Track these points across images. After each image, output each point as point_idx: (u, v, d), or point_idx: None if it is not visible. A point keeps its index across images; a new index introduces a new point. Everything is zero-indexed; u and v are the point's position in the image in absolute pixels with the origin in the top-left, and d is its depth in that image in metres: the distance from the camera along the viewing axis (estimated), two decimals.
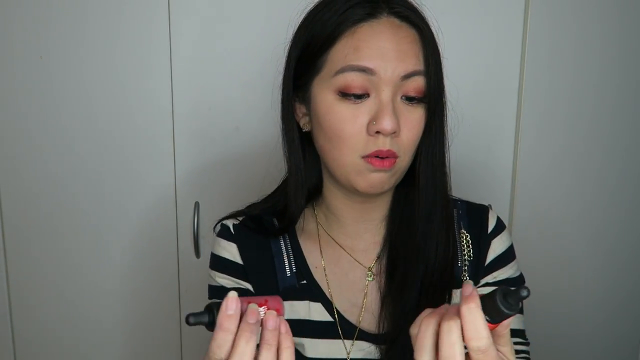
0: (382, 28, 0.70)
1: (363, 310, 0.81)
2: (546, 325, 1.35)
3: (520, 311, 0.86)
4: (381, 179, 0.73)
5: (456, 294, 0.81)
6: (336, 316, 0.81)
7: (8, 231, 1.27)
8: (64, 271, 1.28)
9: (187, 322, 0.56)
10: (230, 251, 0.83)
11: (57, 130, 1.22)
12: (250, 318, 0.56)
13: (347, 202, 0.81)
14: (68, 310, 1.30)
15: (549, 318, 1.35)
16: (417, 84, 0.71)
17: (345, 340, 0.80)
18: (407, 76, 0.70)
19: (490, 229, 0.85)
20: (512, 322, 0.76)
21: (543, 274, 1.33)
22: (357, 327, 0.81)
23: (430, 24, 0.74)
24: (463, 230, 0.84)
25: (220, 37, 1.19)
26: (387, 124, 0.69)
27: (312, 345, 0.81)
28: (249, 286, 0.82)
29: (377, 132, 0.70)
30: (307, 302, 0.81)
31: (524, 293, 0.50)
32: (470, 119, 1.17)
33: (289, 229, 0.84)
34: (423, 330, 0.55)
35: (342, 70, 0.70)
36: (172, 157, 1.23)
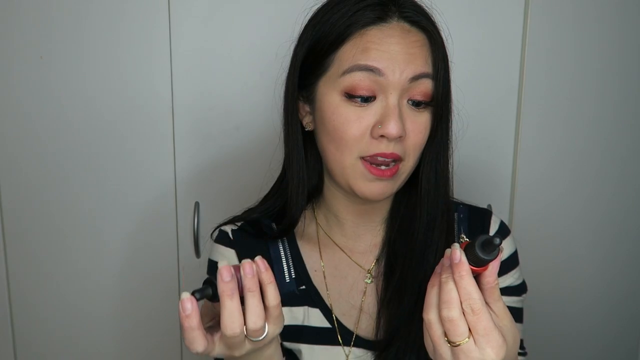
0: (392, 32, 0.70)
1: (361, 313, 0.81)
2: (546, 325, 1.35)
3: (520, 320, 0.85)
4: (384, 188, 0.73)
5: None
6: (335, 323, 0.80)
7: (8, 231, 1.27)
8: (64, 270, 1.28)
9: (195, 298, 0.60)
10: (228, 257, 0.83)
11: (57, 130, 1.22)
12: (225, 277, 0.59)
13: (347, 204, 0.80)
14: (68, 310, 1.30)
15: (548, 318, 1.35)
16: (424, 87, 0.71)
17: (344, 347, 0.80)
18: (415, 78, 0.70)
19: (491, 234, 0.85)
20: None
21: (543, 274, 1.33)
22: (354, 333, 0.80)
23: (441, 29, 0.74)
24: (462, 235, 0.83)
25: (220, 37, 1.19)
26: (393, 128, 0.68)
27: (310, 351, 0.80)
28: None
29: (382, 136, 0.70)
30: (305, 307, 0.81)
31: (497, 241, 0.57)
32: (470, 119, 1.17)
33: (289, 232, 0.83)
34: (429, 290, 0.62)
35: (350, 70, 0.69)
36: (172, 157, 1.23)
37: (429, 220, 0.77)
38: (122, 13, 1.17)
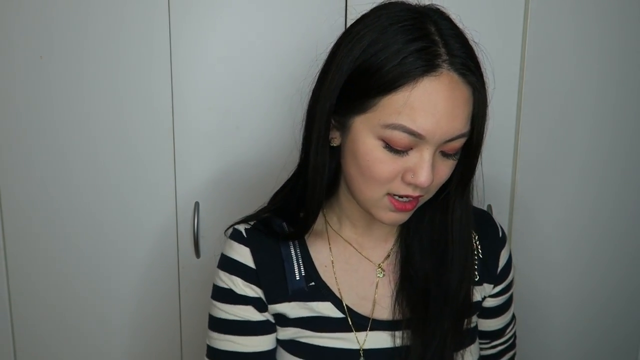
0: (440, 86, 0.68)
1: (375, 303, 0.84)
2: (547, 325, 1.35)
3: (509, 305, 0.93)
4: (401, 217, 0.76)
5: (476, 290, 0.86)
6: (346, 311, 0.82)
7: (8, 232, 1.27)
8: (63, 271, 1.28)
9: None
10: (242, 254, 0.83)
11: (57, 130, 1.22)
12: None
13: (362, 212, 0.82)
14: (67, 311, 1.30)
15: (549, 319, 1.35)
16: (459, 144, 0.73)
17: (357, 333, 0.82)
18: (452, 139, 0.71)
19: (500, 233, 0.90)
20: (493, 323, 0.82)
21: (543, 276, 1.33)
22: (369, 319, 0.83)
23: (485, 74, 0.74)
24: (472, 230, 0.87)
25: (220, 37, 1.19)
26: (425, 180, 0.71)
27: (322, 340, 0.82)
28: (260, 292, 0.82)
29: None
30: (316, 302, 0.83)
31: None
32: None
33: (301, 236, 0.84)
34: None
35: (393, 126, 0.69)
36: (172, 157, 1.23)
37: (458, 236, 0.82)
38: (122, 13, 1.17)
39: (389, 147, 0.71)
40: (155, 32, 1.18)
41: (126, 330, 1.32)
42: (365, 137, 0.72)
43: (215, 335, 0.85)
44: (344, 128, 0.74)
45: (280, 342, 0.85)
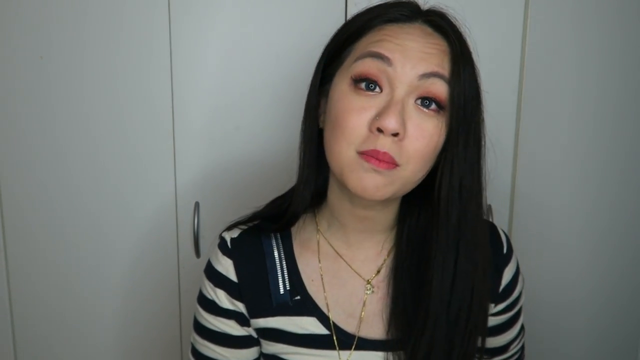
0: (412, 30, 0.69)
1: (361, 321, 0.80)
2: (546, 325, 1.35)
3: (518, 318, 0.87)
4: (375, 182, 0.67)
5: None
6: (332, 328, 0.79)
7: (8, 232, 1.27)
8: (64, 271, 1.28)
9: None
10: (225, 266, 0.81)
11: (57, 131, 1.22)
12: None
13: (349, 207, 0.77)
14: (67, 311, 1.30)
15: (549, 319, 1.35)
16: (435, 87, 0.67)
17: (341, 351, 0.79)
18: (426, 76, 0.67)
19: (505, 249, 0.85)
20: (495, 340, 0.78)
21: (544, 276, 1.33)
22: (355, 336, 0.79)
23: (469, 42, 0.72)
24: None
25: (220, 37, 1.19)
26: (389, 121, 0.65)
27: (304, 357, 0.79)
28: (242, 307, 0.81)
29: (379, 130, 0.66)
30: (301, 317, 0.80)
31: None
32: None
33: (290, 224, 0.81)
34: None
35: (361, 56, 0.69)
36: (172, 157, 1.23)
37: (448, 243, 0.74)
38: (122, 13, 1.17)
39: (357, 82, 0.68)
40: (155, 32, 1.18)
41: (126, 330, 1.32)
42: (340, 85, 0.71)
43: (198, 339, 0.84)
44: (327, 95, 0.74)
45: (264, 356, 0.83)
